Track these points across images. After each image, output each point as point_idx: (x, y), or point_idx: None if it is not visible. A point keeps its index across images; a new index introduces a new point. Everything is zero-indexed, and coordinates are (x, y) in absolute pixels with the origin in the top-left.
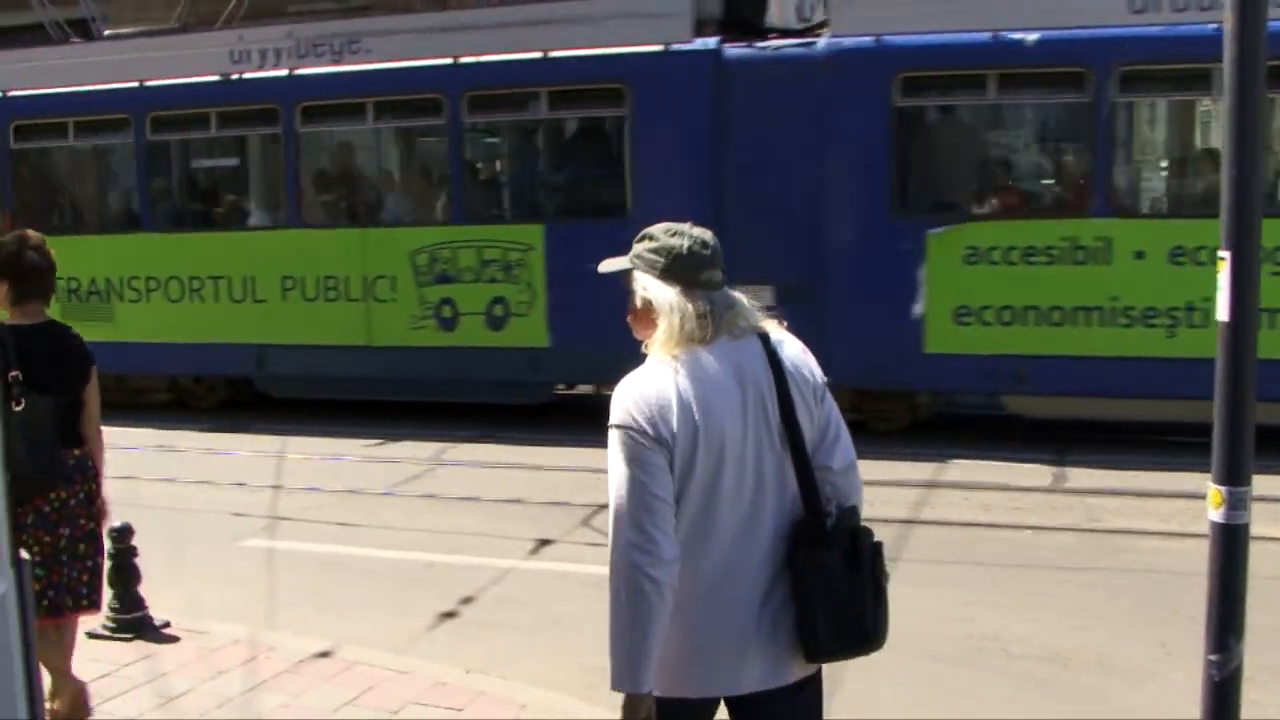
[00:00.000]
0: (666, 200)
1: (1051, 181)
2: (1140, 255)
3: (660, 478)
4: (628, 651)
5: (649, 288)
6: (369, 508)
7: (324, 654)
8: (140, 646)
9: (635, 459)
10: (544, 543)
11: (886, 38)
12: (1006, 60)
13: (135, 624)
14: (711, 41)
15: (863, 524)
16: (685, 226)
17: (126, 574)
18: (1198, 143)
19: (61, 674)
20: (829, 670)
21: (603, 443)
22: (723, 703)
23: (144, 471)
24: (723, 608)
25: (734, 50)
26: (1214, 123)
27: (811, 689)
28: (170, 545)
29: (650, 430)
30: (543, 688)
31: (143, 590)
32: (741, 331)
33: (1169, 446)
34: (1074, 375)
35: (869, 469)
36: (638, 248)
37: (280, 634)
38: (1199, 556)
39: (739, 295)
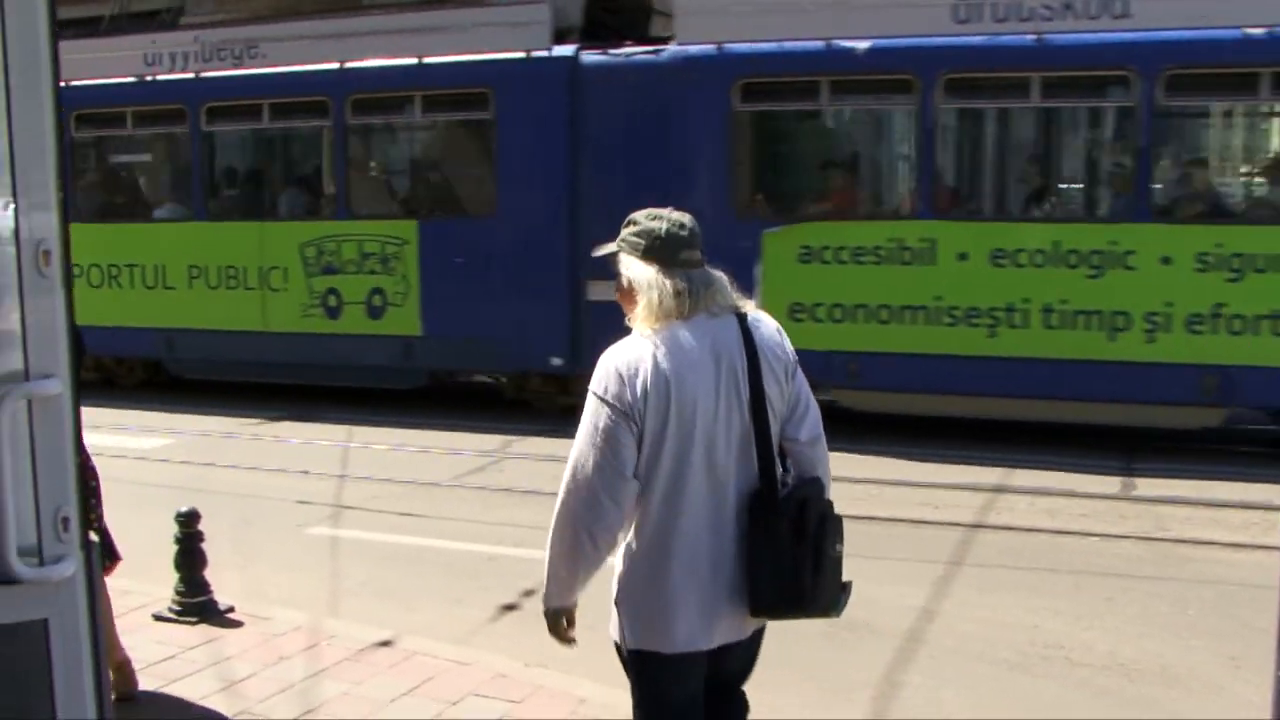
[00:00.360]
0: (529, 199)
1: (881, 184)
2: (963, 257)
3: (624, 452)
4: (559, 583)
5: (630, 268)
6: (433, 498)
7: (385, 643)
8: (204, 630)
9: (604, 430)
10: None
11: (727, 46)
12: (838, 67)
13: (200, 608)
14: (569, 49)
15: (827, 499)
16: (666, 211)
17: (192, 558)
18: (1020, 149)
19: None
20: (888, 672)
21: None
22: None
23: (212, 457)
24: (695, 568)
25: (589, 57)
26: (1037, 129)
27: (758, 637)
28: (236, 531)
29: (620, 404)
30: (601, 683)
31: (208, 575)
32: (720, 309)
33: (1240, 457)
34: (901, 371)
35: (936, 471)
36: (623, 232)
37: (342, 622)
38: (1271, 569)
39: (719, 275)
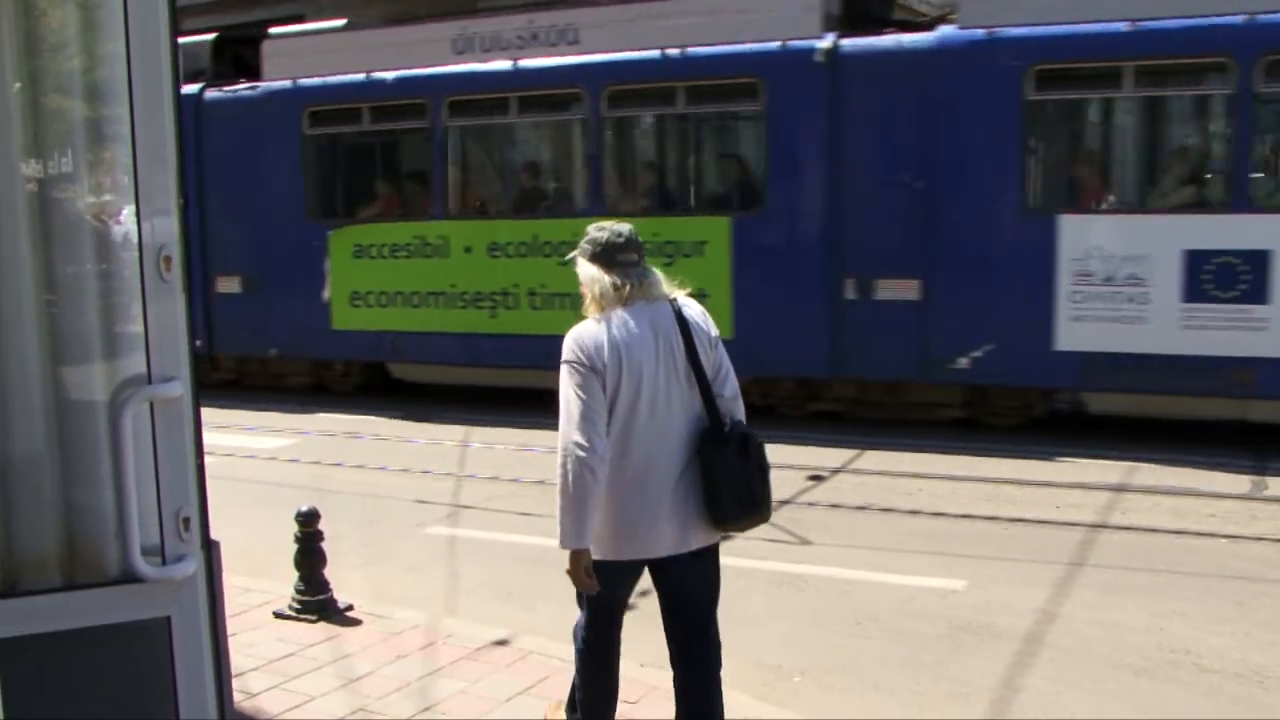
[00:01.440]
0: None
1: (411, 191)
2: (469, 250)
3: (597, 396)
4: (574, 520)
5: (581, 268)
6: (551, 498)
7: (501, 642)
8: (324, 628)
9: (580, 384)
10: (723, 537)
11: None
12: (372, 96)
13: (320, 606)
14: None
15: (750, 431)
16: (610, 224)
17: (312, 557)
18: (512, 159)
19: None
20: (1008, 675)
21: (790, 439)
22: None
23: (334, 457)
24: (642, 494)
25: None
26: (521, 143)
27: (710, 557)
28: (356, 530)
29: (589, 363)
30: None
31: (328, 573)
32: (655, 298)
33: None
34: (433, 348)
35: (1056, 470)
36: (581, 242)
37: (459, 621)
38: None
39: (654, 271)
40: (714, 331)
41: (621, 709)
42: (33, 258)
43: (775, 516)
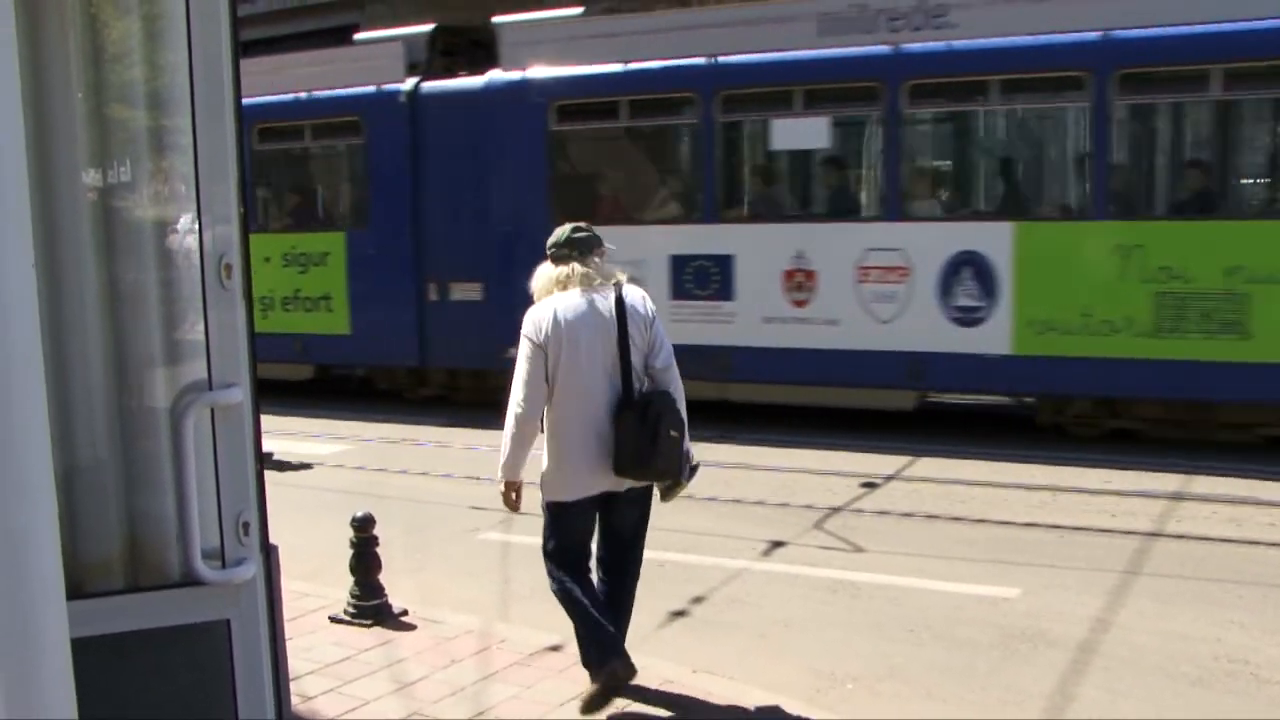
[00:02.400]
0: None
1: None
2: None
3: (537, 366)
4: (511, 456)
5: (541, 266)
6: None
7: (554, 648)
8: (378, 633)
9: (528, 355)
10: (776, 544)
11: None
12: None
13: (374, 610)
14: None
15: (672, 403)
16: (566, 226)
17: (367, 562)
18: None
19: None
20: (1062, 683)
21: (838, 445)
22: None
23: (387, 463)
24: (581, 444)
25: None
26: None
27: (640, 499)
28: (410, 536)
29: (535, 338)
30: (769, 690)
31: (382, 578)
32: (600, 284)
33: None
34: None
35: (1111, 477)
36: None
37: (512, 626)
38: None
39: (596, 262)
40: (651, 312)
41: (674, 714)
42: (96, 266)
43: (828, 523)
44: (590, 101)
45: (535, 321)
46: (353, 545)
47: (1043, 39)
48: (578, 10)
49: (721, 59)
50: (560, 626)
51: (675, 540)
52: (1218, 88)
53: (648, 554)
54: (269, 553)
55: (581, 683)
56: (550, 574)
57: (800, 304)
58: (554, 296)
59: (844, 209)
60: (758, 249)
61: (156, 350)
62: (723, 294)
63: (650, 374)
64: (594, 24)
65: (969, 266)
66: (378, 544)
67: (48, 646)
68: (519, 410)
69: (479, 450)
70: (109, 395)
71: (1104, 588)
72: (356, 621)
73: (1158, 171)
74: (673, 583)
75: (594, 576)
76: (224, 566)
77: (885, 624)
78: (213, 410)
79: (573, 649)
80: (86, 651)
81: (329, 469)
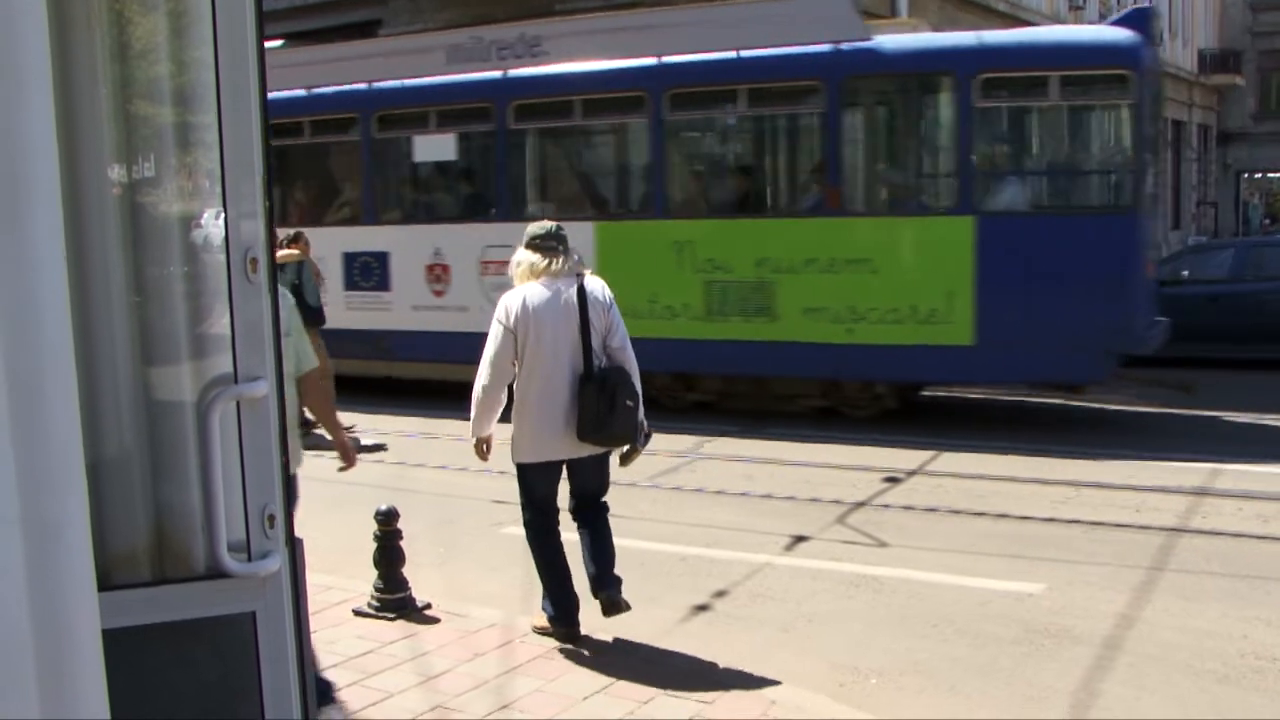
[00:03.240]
0: None
1: None
2: None
3: (506, 347)
4: (479, 420)
5: (518, 251)
6: (626, 498)
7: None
8: (402, 626)
9: (498, 337)
10: (799, 539)
11: None
12: None
13: (398, 604)
14: None
15: (628, 376)
16: (545, 222)
17: (391, 556)
18: None
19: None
20: (1087, 679)
21: (859, 440)
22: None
23: (412, 457)
24: (547, 414)
25: None
26: None
27: (602, 461)
28: (433, 530)
29: (505, 320)
30: (793, 684)
31: (406, 572)
32: (566, 275)
33: None
34: None
35: (1137, 472)
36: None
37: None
38: None
39: (565, 256)
40: (608, 298)
41: (697, 708)
42: (122, 261)
43: (851, 518)
44: (286, 122)
45: (506, 307)
46: (377, 539)
47: (612, 65)
48: (278, 43)
49: (375, 85)
50: (583, 620)
51: (698, 534)
52: (744, 105)
53: (670, 548)
54: (294, 545)
55: (604, 677)
56: (528, 538)
57: (439, 294)
58: (526, 285)
59: (470, 212)
60: (407, 247)
61: (182, 344)
62: (382, 285)
63: (608, 352)
64: (284, 55)
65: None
66: (402, 538)
67: (80, 639)
68: (485, 383)
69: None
70: (135, 389)
71: (1129, 584)
72: (380, 615)
73: (703, 176)
74: (696, 577)
75: (578, 534)
76: (249, 559)
77: (909, 619)
78: (238, 403)
79: (596, 642)
80: (113, 643)
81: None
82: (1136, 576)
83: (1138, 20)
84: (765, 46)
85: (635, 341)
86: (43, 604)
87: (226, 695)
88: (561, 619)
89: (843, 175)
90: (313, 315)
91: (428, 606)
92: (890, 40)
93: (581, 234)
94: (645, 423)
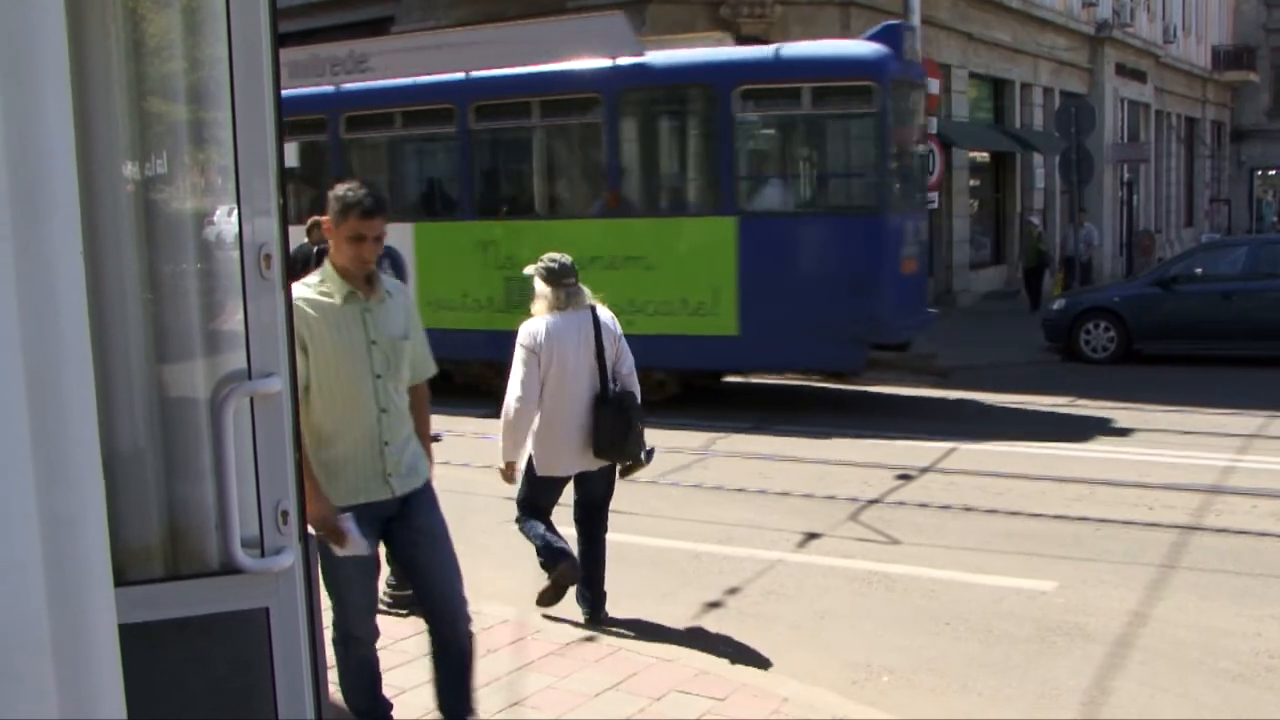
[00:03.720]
0: None
1: None
2: None
3: (532, 368)
4: (511, 443)
5: (536, 284)
6: (639, 495)
7: (589, 638)
8: (415, 622)
9: (524, 359)
10: (811, 536)
11: None
12: None
13: (411, 600)
14: None
15: (636, 400)
16: (559, 255)
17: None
18: None
19: None
20: (1099, 677)
21: (871, 437)
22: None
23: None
24: (567, 432)
25: None
26: None
27: (608, 474)
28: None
29: (531, 345)
30: (805, 682)
31: None
32: (581, 307)
33: None
34: None
35: (1149, 470)
36: (539, 266)
37: (547, 616)
38: None
39: (583, 289)
40: (618, 330)
41: (709, 705)
42: (135, 258)
43: (864, 515)
44: None
45: (531, 333)
46: None
47: (425, 80)
48: None
49: None
50: (593, 625)
51: (710, 531)
52: (538, 116)
53: (682, 545)
54: (307, 542)
55: (617, 673)
56: (518, 518)
57: None
58: (546, 315)
59: (313, 215)
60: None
61: (196, 340)
62: None
63: (616, 377)
64: None
65: (387, 259)
66: None
67: (97, 633)
68: (516, 406)
69: None
70: (149, 385)
71: (1142, 581)
72: (393, 610)
73: (503, 181)
74: (708, 574)
75: (573, 538)
76: (263, 555)
77: (921, 617)
78: (252, 399)
79: (608, 640)
80: (127, 639)
81: None
82: (1149, 574)
83: (887, 35)
84: (557, 62)
85: (451, 333)
86: (60, 598)
87: (239, 690)
88: (556, 557)
89: (621, 180)
90: None
91: None
92: (660, 56)
93: (402, 235)
94: (646, 441)
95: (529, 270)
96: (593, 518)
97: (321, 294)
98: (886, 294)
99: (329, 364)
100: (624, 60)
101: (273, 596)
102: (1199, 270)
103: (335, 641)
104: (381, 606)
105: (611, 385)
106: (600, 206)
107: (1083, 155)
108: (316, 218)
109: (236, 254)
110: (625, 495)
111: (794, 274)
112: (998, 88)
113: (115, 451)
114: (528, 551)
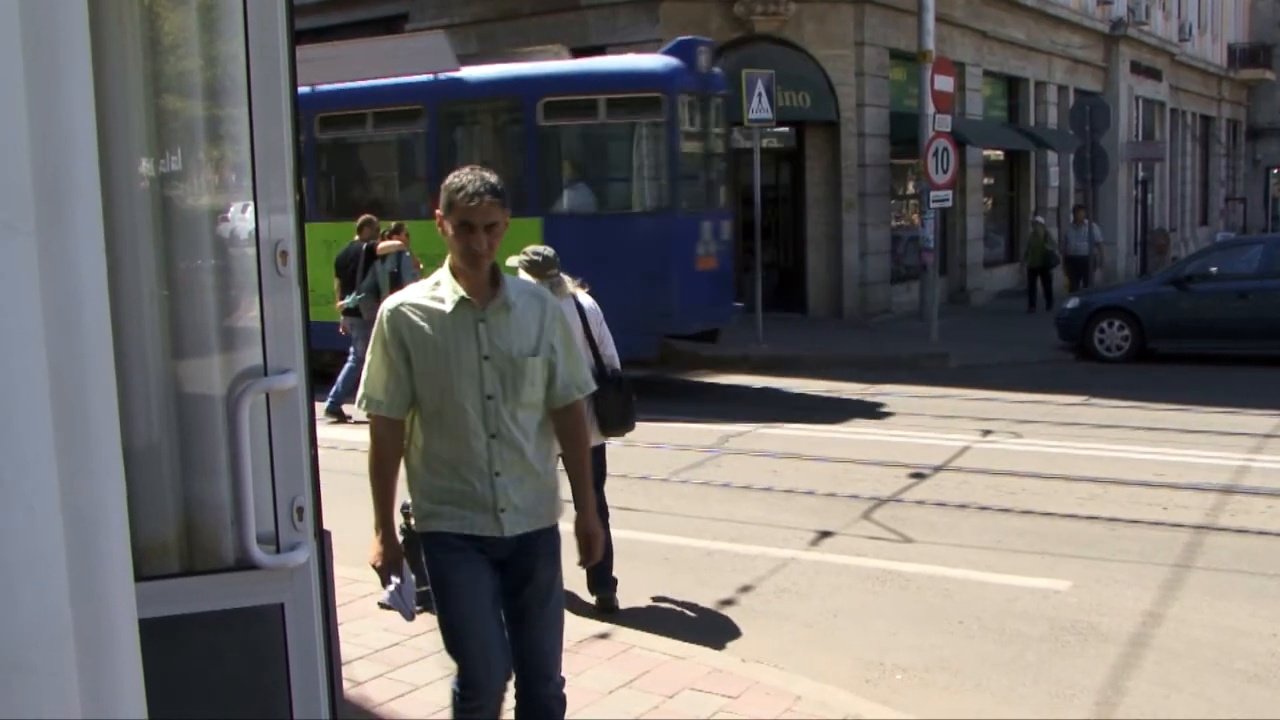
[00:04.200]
0: None
1: None
2: None
3: None
4: None
5: (521, 276)
6: (652, 493)
7: (603, 635)
8: (428, 619)
9: None
10: (824, 534)
11: None
12: None
13: (424, 597)
14: None
15: (621, 371)
16: (540, 248)
17: (415, 549)
18: None
19: None
20: (1113, 677)
21: (885, 435)
22: None
23: None
24: None
25: None
26: None
27: (602, 452)
28: None
29: None
30: (818, 680)
31: None
32: (565, 295)
33: None
34: None
35: (1164, 470)
36: (521, 259)
37: None
38: None
39: (565, 278)
40: (599, 314)
41: (722, 703)
42: (152, 254)
43: (877, 514)
44: None
45: None
46: (403, 532)
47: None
48: None
49: None
50: (609, 615)
51: (723, 529)
52: (372, 126)
53: (695, 542)
54: (323, 538)
55: (630, 671)
56: None
57: None
58: None
59: None
60: None
61: (212, 336)
62: None
63: (601, 357)
64: None
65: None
66: None
67: (118, 626)
68: None
69: None
70: (165, 381)
71: (1156, 581)
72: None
73: (344, 185)
74: (720, 572)
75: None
76: (278, 551)
77: (934, 615)
78: (268, 396)
79: (622, 637)
80: (144, 633)
81: None
82: (1164, 574)
83: (681, 50)
84: (390, 77)
85: (324, 324)
86: (82, 592)
87: (254, 685)
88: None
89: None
90: None
91: None
92: (474, 71)
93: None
94: None
95: (513, 261)
96: (597, 488)
97: (433, 299)
98: (678, 289)
99: (434, 379)
100: (443, 75)
101: (288, 592)
102: (1214, 269)
103: (454, 692)
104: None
105: (608, 364)
106: (428, 208)
107: (1097, 153)
108: (368, 216)
109: (252, 250)
110: (638, 492)
111: (595, 271)
112: (1012, 86)
113: (132, 447)
114: None
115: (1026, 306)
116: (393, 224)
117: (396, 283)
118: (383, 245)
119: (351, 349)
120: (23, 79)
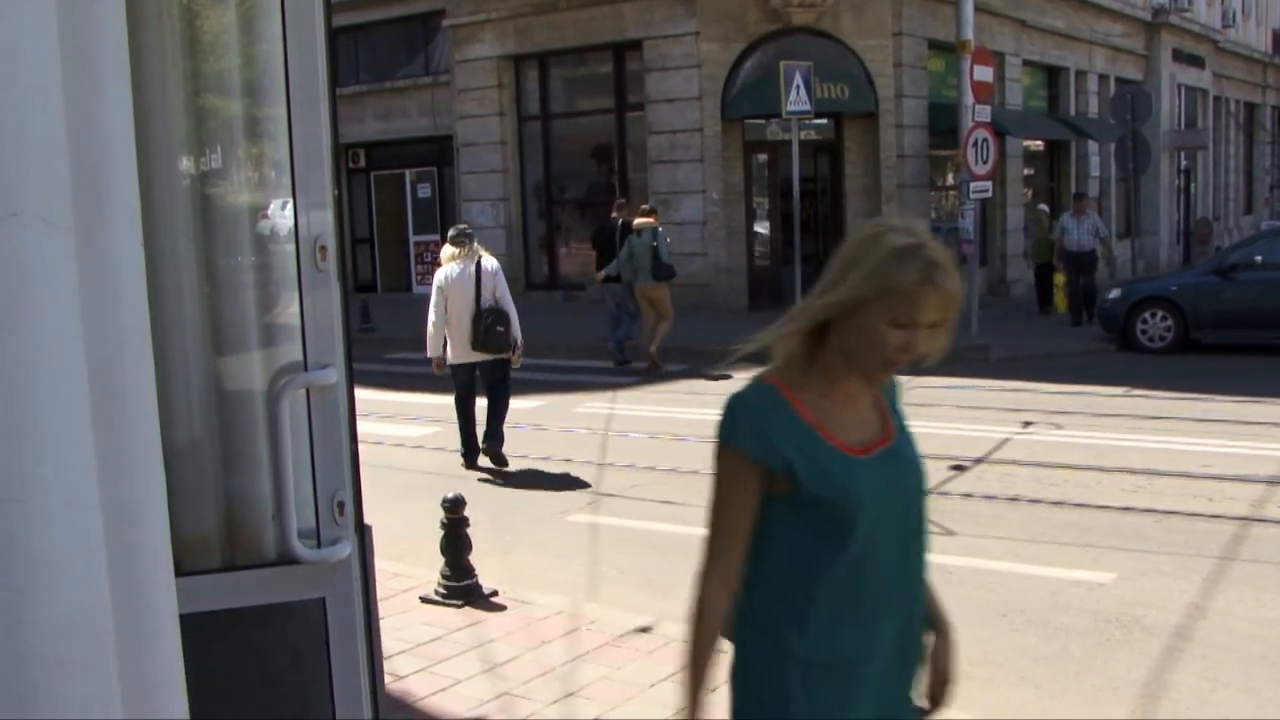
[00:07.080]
0: None
1: None
2: None
3: (440, 301)
4: (431, 345)
5: (446, 245)
6: (693, 486)
7: (644, 629)
8: (468, 613)
9: (435, 295)
10: (497, 358)
11: None
12: None
13: (465, 591)
14: None
15: (497, 309)
16: (461, 225)
17: (458, 543)
18: None
19: None
20: (1158, 670)
21: (924, 426)
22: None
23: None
24: (457, 336)
25: None
26: None
27: (496, 365)
28: (499, 517)
29: (439, 285)
30: None
31: (472, 559)
32: (469, 258)
33: None
34: None
35: (1210, 461)
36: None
37: (601, 607)
38: None
39: (474, 247)
40: (495, 271)
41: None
42: (193, 252)
43: None
44: None
45: (437, 277)
46: (443, 526)
47: None
48: None
49: None
50: (649, 608)
51: None
52: None
53: None
54: (363, 533)
55: (671, 665)
56: (455, 403)
57: None
58: (448, 264)
59: None
60: None
61: (252, 333)
62: None
63: (496, 302)
64: None
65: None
66: (468, 525)
67: (160, 621)
68: (433, 321)
69: (575, 433)
70: (206, 377)
71: (1201, 573)
72: (447, 602)
73: None
74: None
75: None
76: (319, 546)
77: (978, 608)
78: (308, 391)
79: (663, 631)
80: (184, 628)
81: (425, 451)
82: (1209, 566)
83: None
84: None
85: None
86: (123, 587)
87: (296, 680)
88: (468, 455)
89: None
90: (665, 270)
91: (494, 594)
92: None
93: None
94: (517, 338)
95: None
96: (494, 389)
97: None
98: None
99: None
100: None
101: (329, 587)
102: (1258, 258)
103: None
104: (435, 597)
105: (485, 306)
106: None
107: (1139, 143)
108: (621, 198)
109: (292, 247)
110: (678, 486)
111: None
112: (1052, 75)
113: (172, 442)
114: (581, 544)
115: (1037, 308)
116: (647, 205)
117: (655, 253)
118: (638, 221)
119: (618, 307)
120: (61, 77)
